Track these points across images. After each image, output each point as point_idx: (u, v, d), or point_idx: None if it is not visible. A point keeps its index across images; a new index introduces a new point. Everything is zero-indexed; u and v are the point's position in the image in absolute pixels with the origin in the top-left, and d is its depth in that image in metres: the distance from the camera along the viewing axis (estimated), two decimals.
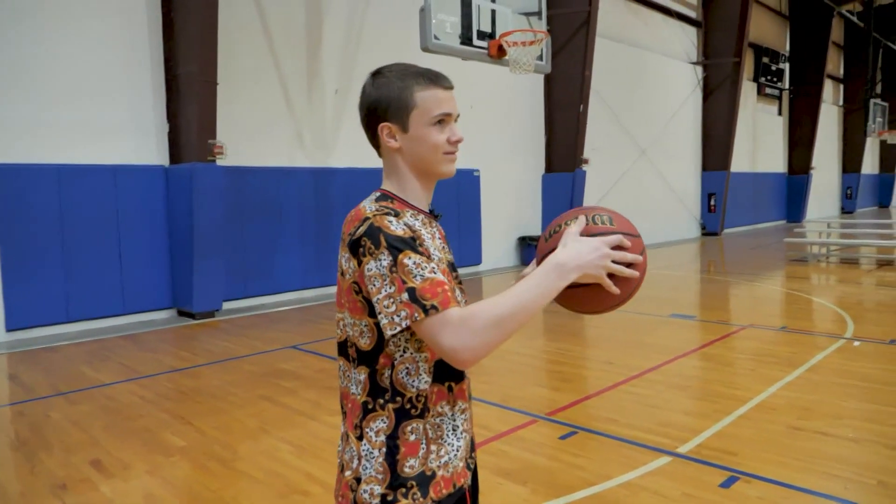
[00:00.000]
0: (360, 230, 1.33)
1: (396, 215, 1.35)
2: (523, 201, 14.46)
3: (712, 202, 20.63)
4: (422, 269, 1.28)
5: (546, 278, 1.28)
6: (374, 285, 1.29)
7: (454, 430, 1.43)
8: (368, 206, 1.39)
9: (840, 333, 6.99)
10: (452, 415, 1.43)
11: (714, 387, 5.34)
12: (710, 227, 20.76)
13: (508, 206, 14.11)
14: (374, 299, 1.30)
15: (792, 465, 3.74)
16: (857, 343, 6.55)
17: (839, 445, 4.02)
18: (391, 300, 1.26)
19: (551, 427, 4.51)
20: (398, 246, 1.29)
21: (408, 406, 1.38)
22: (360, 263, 1.32)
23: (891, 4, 28.26)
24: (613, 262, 1.33)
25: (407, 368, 1.37)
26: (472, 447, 1.56)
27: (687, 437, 4.21)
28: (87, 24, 8.08)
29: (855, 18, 26.15)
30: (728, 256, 15.67)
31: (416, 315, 1.24)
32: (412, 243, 1.31)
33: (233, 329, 8.20)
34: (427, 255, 1.32)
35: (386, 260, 1.28)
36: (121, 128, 8.45)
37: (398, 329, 1.26)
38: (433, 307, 1.24)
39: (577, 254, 1.30)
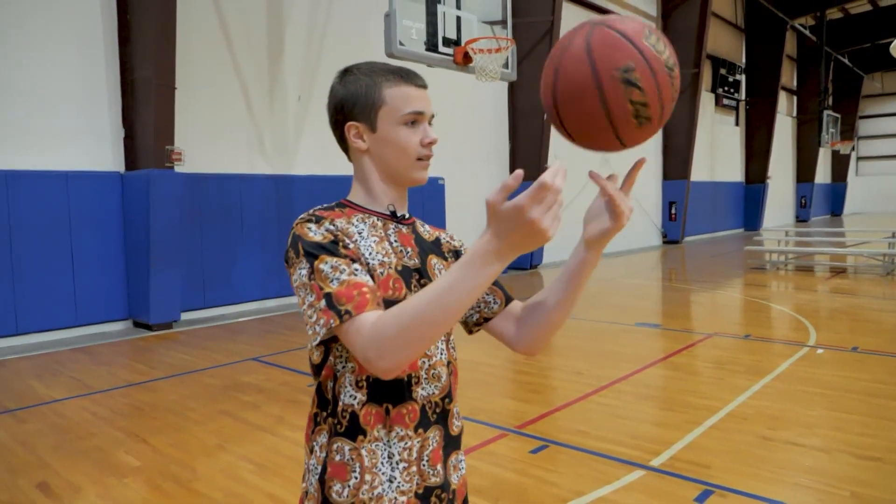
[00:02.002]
0: (287, 242, 1.27)
1: (318, 221, 1.26)
2: None
3: (673, 210, 20.92)
4: (339, 272, 1.19)
5: (472, 271, 1.06)
6: (300, 295, 1.23)
7: (389, 457, 1.28)
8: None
9: (803, 341, 7.07)
10: (388, 441, 1.28)
11: (683, 397, 5.31)
12: (671, 236, 21.03)
13: (473, 215, 14.05)
14: (301, 310, 1.23)
15: (765, 477, 3.71)
16: (820, 351, 6.63)
17: (810, 456, 4.01)
18: (313, 309, 1.19)
19: (521, 441, 4.42)
20: (314, 252, 1.21)
21: (334, 421, 1.29)
22: (290, 276, 1.27)
23: (841, 19, 29.22)
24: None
25: (346, 380, 1.29)
26: (443, 485, 1.35)
27: (659, 449, 4.15)
28: (39, 25, 7.77)
29: (807, 32, 26.92)
30: (689, 264, 15.86)
31: (332, 321, 1.15)
32: (331, 247, 1.22)
33: (191, 340, 7.93)
34: (351, 258, 1.23)
35: (305, 269, 1.22)
36: (74, 132, 8.14)
37: (318, 339, 1.18)
38: (347, 312, 1.15)
39: (504, 239, 1.06)
